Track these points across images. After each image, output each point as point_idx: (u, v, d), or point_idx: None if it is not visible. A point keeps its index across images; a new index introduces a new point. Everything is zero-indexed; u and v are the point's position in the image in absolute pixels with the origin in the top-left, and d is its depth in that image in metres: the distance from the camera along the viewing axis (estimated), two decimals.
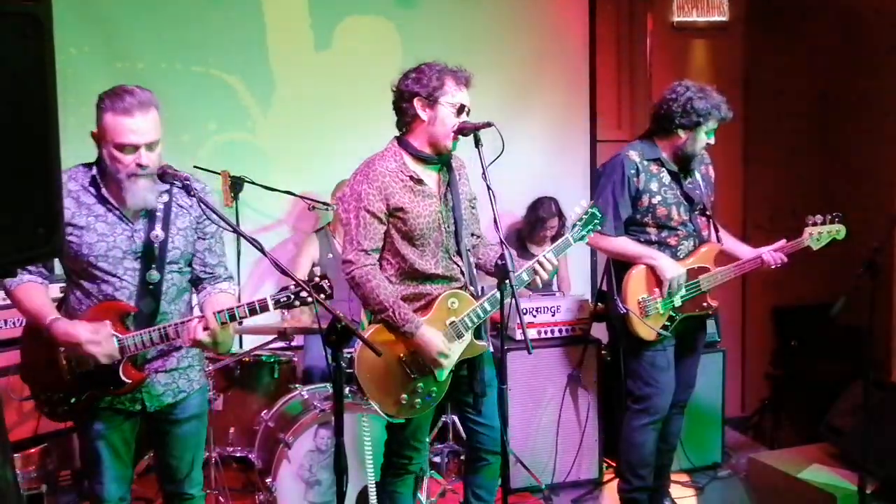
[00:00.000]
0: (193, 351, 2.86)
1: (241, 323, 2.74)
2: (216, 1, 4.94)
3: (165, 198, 2.69)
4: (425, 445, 3.25)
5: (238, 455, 4.01)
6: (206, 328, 2.57)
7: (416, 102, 2.97)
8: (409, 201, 2.97)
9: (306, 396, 3.84)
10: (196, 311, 2.80)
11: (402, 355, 2.99)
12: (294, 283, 2.55)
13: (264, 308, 2.60)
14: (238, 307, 2.61)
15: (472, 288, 3.09)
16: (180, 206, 2.72)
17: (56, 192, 1.60)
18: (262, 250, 2.58)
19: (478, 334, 3.09)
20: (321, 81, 5.10)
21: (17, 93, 1.48)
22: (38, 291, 2.67)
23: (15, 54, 1.46)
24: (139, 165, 2.55)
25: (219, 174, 4.57)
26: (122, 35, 4.74)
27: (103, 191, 2.63)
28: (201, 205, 2.62)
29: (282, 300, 2.60)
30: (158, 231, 2.67)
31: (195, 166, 4.47)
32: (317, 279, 2.57)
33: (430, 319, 3.00)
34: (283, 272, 2.51)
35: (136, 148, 2.54)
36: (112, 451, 2.75)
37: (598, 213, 3.12)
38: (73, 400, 2.68)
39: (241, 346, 4.43)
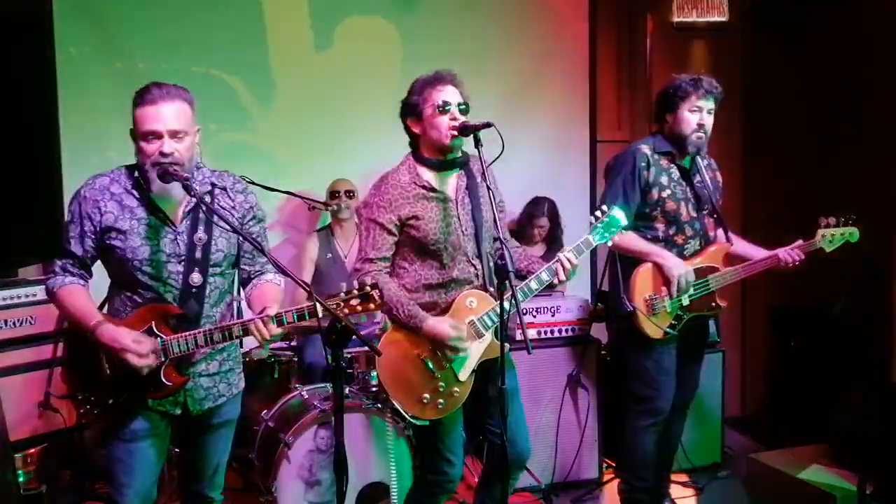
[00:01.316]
0: (235, 355, 2.87)
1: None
2: (217, 1, 4.94)
3: (207, 199, 2.67)
4: (460, 459, 3.18)
5: (238, 455, 4.01)
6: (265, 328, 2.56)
7: (409, 123, 3.09)
8: (421, 209, 3.02)
9: (306, 396, 3.84)
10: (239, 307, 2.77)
11: (421, 353, 3.00)
12: (345, 290, 2.55)
13: (312, 314, 2.56)
14: (286, 312, 2.57)
15: (491, 289, 3.10)
16: (223, 207, 2.71)
17: (57, 192, 1.61)
18: (262, 250, 2.59)
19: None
20: (321, 82, 5.11)
21: (17, 93, 1.48)
22: (81, 293, 2.66)
23: (15, 54, 1.47)
24: (161, 154, 2.54)
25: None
26: (122, 35, 4.74)
27: (148, 194, 2.63)
28: (202, 204, 2.62)
29: (331, 307, 2.55)
30: (201, 233, 2.67)
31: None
32: (367, 288, 2.55)
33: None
34: (284, 272, 2.51)
35: (159, 136, 2.55)
36: (143, 457, 2.70)
37: (617, 219, 3.14)
38: (111, 401, 2.65)
39: (241, 346, 4.42)
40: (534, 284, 3.03)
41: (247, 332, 2.60)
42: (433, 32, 5.27)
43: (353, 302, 2.54)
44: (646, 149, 3.64)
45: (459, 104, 3.01)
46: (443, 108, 2.98)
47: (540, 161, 5.51)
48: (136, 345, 2.54)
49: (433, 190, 3.06)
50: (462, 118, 3.00)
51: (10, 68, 1.46)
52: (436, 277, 3.05)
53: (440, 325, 2.97)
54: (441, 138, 3.00)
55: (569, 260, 3.02)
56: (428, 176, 3.07)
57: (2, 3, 1.45)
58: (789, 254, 3.67)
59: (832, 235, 3.67)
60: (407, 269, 3.08)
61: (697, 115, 3.56)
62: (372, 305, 2.55)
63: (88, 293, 2.70)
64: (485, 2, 5.43)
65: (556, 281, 3.03)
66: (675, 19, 5.58)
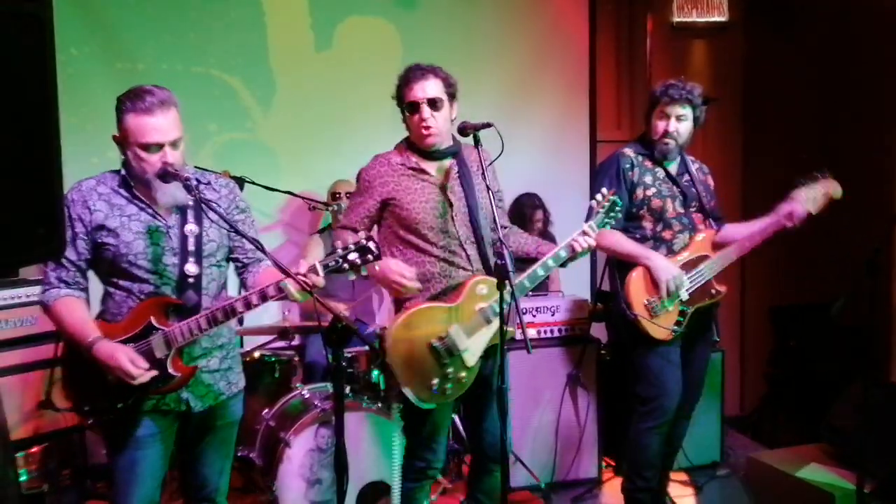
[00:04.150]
0: (234, 353, 2.87)
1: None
2: (217, 2, 4.95)
3: (193, 197, 2.66)
4: (442, 448, 3.22)
5: (239, 454, 4.01)
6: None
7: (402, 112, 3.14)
8: (405, 188, 3.06)
9: (307, 395, 3.85)
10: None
11: (432, 341, 3.00)
12: (341, 246, 2.56)
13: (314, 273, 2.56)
14: (286, 278, 2.55)
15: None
16: (208, 203, 2.69)
17: (57, 192, 1.61)
18: (262, 250, 2.59)
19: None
20: (321, 82, 5.12)
21: (17, 93, 1.48)
22: (78, 306, 2.63)
23: (15, 54, 1.47)
24: (166, 163, 2.56)
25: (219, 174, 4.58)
26: (122, 35, 4.75)
27: (134, 190, 2.64)
28: (202, 204, 2.63)
29: (330, 265, 2.56)
30: (192, 226, 2.68)
31: (195, 167, 4.48)
32: (362, 241, 2.56)
33: (459, 305, 3.03)
34: (284, 272, 2.52)
35: (160, 146, 2.56)
36: (149, 464, 2.68)
37: (618, 202, 3.19)
38: (119, 405, 2.62)
39: (241, 346, 4.43)
40: (551, 262, 3.06)
41: (281, 291, 2.56)
42: (433, 33, 5.27)
43: (352, 256, 2.55)
44: (629, 151, 3.69)
45: (430, 100, 3.01)
46: (411, 109, 3.03)
47: (539, 160, 5.51)
48: (132, 364, 2.52)
49: (422, 172, 3.09)
50: (430, 115, 3.01)
51: (10, 68, 1.46)
52: (425, 261, 3.07)
53: (388, 261, 2.98)
54: (415, 139, 3.06)
55: (585, 232, 3.06)
56: (418, 159, 3.11)
57: (2, 3, 1.45)
58: (789, 215, 3.60)
59: (813, 196, 3.63)
60: (399, 247, 3.11)
61: (664, 122, 3.60)
62: (370, 257, 2.56)
63: (84, 305, 2.67)
64: (484, 1, 5.44)
65: (572, 252, 3.06)
66: (675, 19, 5.59)
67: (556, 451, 4.30)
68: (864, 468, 3.55)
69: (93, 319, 2.65)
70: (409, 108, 3.03)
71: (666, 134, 3.60)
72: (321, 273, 2.56)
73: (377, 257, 2.57)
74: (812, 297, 4.98)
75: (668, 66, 5.47)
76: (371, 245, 2.56)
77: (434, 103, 3.02)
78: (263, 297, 2.60)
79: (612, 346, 4.43)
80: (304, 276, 2.53)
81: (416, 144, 3.12)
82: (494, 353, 3.09)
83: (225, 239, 2.78)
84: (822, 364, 4.92)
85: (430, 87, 3.03)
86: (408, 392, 3.03)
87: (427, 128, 3.02)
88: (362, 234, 2.59)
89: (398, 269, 2.97)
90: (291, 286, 2.54)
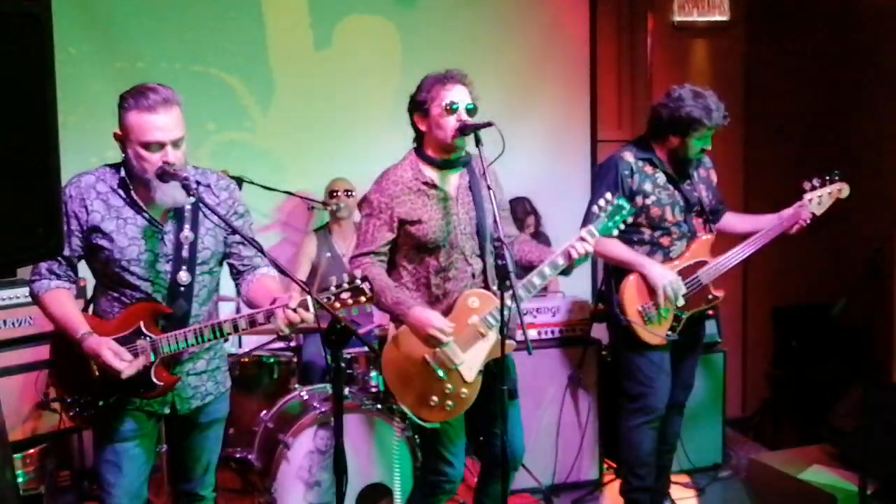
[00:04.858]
0: (221, 352, 2.86)
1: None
2: (216, 1, 4.93)
3: (192, 198, 2.65)
4: (461, 461, 3.17)
5: (237, 456, 4.00)
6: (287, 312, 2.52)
7: (416, 118, 3.08)
8: (421, 206, 3.02)
9: (306, 397, 3.83)
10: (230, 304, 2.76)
11: (426, 356, 2.98)
12: (335, 284, 2.52)
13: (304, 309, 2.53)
14: (276, 308, 2.54)
15: (493, 287, 3.07)
16: (207, 205, 2.67)
17: (55, 192, 1.60)
18: (261, 250, 2.57)
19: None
20: (321, 81, 5.10)
21: (16, 92, 1.47)
22: (68, 299, 2.64)
23: (15, 54, 1.46)
24: (166, 163, 2.53)
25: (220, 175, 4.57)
26: (121, 35, 4.73)
27: (133, 193, 2.62)
28: (200, 204, 2.61)
29: (322, 301, 2.52)
30: (188, 232, 2.66)
31: (193, 166, 4.47)
32: (357, 280, 2.53)
33: (451, 319, 3.00)
34: (283, 272, 2.51)
35: (161, 145, 2.53)
36: (131, 458, 2.69)
37: (625, 204, 3.08)
38: (101, 403, 2.64)
39: (240, 346, 4.42)
40: (547, 270, 3.00)
41: (269, 319, 2.56)
42: (433, 32, 5.26)
43: (344, 296, 2.52)
44: (629, 156, 3.62)
45: (467, 105, 3.00)
46: (450, 109, 2.97)
47: (540, 160, 5.50)
48: (116, 358, 2.52)
49: (434, 187, 3.06)
50: (469, 119, 2.99)
51: (9, 67, 1.45)
52: (434, 276, 3.05)
53: (426, 312, 2.96)
54: (445, 138, 3.00)
55: (583, 238, 2.98)
56: (430, 173, 3.07)
57: (2, 3, 1.44)
58: (794, 216, 3.62)
59: (820, 197, 3.63)
60: (406, 267, 3.09)
61: (706, 143, 3.56)
62: (363, 298, 2.53)
63: (72, 298, 2.68)
64: (485, 2, 5.42)
65: (569, 260, 2.99)
66: (676, 18, 5.57)
67: (556, 453, 4.29)
68: (866, 469, 3.54)
69: (82, 312, 2.67)
70: (447, 108, 2.97)
71: (703, 151, 3.56)
72: (311, 309, 2.52)
73: (370, 299, 2.55)
74: (814, 297, 4.97)
75: (669, 66, 5.46)
76: (365, 286, 2.52)
77: (470, 107, 3.01)
78: (252, 323, 2.59)
79: (612, 348, 4.41)
80: (294, 310, 2.51)
81: (432, 151, 3.07)
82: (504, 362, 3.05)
83: (220, 245, 2.76)
84: (824, 365, 4.91)
85: (469, 93, 3.03)
86: (407, 410, 3.01)
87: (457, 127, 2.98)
88: (358, 273, 2.56)
89: (439, 323, 2.93)
90: (280, 320, 2.52)
